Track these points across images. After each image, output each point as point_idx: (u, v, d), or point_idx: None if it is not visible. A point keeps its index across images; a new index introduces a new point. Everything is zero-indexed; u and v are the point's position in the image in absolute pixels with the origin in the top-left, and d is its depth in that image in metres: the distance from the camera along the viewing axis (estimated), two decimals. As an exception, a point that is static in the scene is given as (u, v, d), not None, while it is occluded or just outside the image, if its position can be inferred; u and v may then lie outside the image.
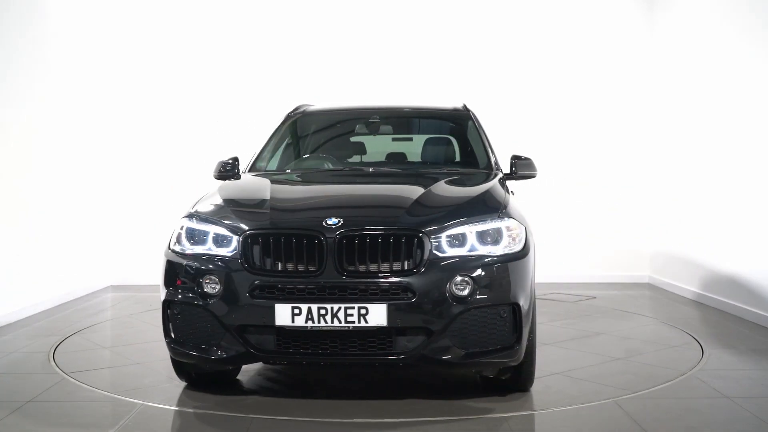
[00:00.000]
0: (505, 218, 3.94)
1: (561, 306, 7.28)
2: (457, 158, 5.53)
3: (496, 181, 4.64)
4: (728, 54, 6.96)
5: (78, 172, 7.89)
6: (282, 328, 3.69)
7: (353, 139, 5.84)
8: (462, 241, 3.80)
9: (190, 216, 4.13)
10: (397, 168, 5.30)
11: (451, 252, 3.75)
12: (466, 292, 3.69)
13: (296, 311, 3.65)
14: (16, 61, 6.68)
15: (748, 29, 6.63)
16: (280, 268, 3.74)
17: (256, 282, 3.72)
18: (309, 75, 8.70)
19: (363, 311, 3.63)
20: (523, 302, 3.83)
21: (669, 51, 8.36)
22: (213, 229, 3.95)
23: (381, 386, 4.48)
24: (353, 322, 3.63)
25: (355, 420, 3.86)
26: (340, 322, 3.63)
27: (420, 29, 8.80)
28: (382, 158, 5.70)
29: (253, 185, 4.67)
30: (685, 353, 5.32)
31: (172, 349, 4.05)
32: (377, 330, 3.66)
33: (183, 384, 4.49)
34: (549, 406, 4.09)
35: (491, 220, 3.90)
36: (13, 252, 6.56)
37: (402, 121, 5.90)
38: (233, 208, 4.12)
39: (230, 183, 4.83)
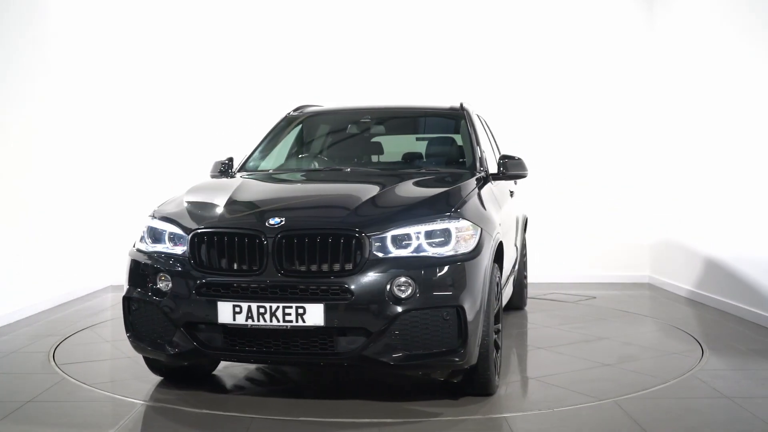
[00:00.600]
0: (457, 219, 3.87)
1: (561, 306, 7.28)
2: (442, 158, 5.44)
3: (471, 181, 4.57)
4: (728, 53, 6.96)
5: (78, 172, 7.90)
6: (225, 325, 3.75)
7: (347, 139, 5.83)
8: (407, 241, 3.77)
9: (152, 215, 4.26)
10: (376, 168, 5.24)
11: (395, 253, 3.73)
12: (407, 294, 3.66)
13: (237, 309, 3.71)
14: (16, 61, 6.68)
15: (747, 28, 6.62)
16: (224, 267, 3.82)
17: (202, 280, 3.81)
18: (310, 75, 8.71)
19: (300, 311, 3.66)
20: (470, 305, 3.75)
21: (669, 50, 8.36)
22: (169, 228, 4.07)
23: (381, 386, 4.48)
24: (291, 321, 3.67)
25: (354, 420, 3.86)
26: (278, 321, 3.68)
27: (422, 29, 8.80)
28: (376, 158, 5.65)
29: (222, 185, 4.68)
30: (685, 353, 5.32)
31: (132, 344, 4.17)
32: (317, 330, 3.67)
33: (183, 384, 4.49)
34: (549, 406, 4.09)
35: (440, 220, 3.85)
36: (13, 252, 6.56)
37: (394, 121, 5.85)
38: (190, 207, 4.19)
39: (202, 183, 4.89)
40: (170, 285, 3.89)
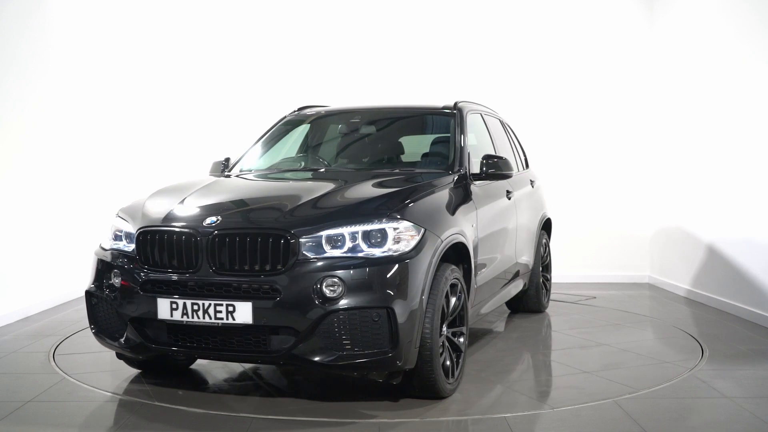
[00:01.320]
0: (396, 220, 3.86)
1: (560, 306, 7.28)
2: (424, 157, 5.39)
3: (438, 181, 4.56)
4: (727, 52, 6.96)
5: (78, 173, 7.89)
6: (164, 321, 3.89)
7: (336, 139, 5.84)
8: (340, 242, 3.78)
9: (117, 214, 4.44)
10: (354, 168, 5.24)
11: (328, 253, 3.75)
12: (335, 294, 3.67)
13: (174, 306, 3.84)
14: (16, 64, 6.68)
15: (747, 28, 6.63)
16: (164, 264, 3.95)
17: (146, 277, 3.96)
18: (310, 76, 8.70)
19: (231, 308, 3.74)
20: (403, 306, 3.71)
21: (668, 49, 8.36)
22: (125, 227, 4.24)
23: (380, 386, 4.48)
24: (222, 318, 3.75)
25: (354, 420, 3.86)
26: (210, 318, 3.77)
27: (423, 29, 8.80)
28: (362, 158, 5.61)
29: (189, 184, 4.75)
30: (685, 353, 5.32)
31: (95, 337, 4.37)
32: (249, 328, 3.74)
33: (184, 384, 4.50)
34: (549, 406, 4.09)
35: (377, 221, 3.83)
36: (13, 252, 6.56)
37: (385, 121, 5.81)
38: (146, 206, 4.33)
39: (175, 182, 4.98)
40: (120, 281, 4.05)
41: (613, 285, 8.56)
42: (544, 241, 6.85)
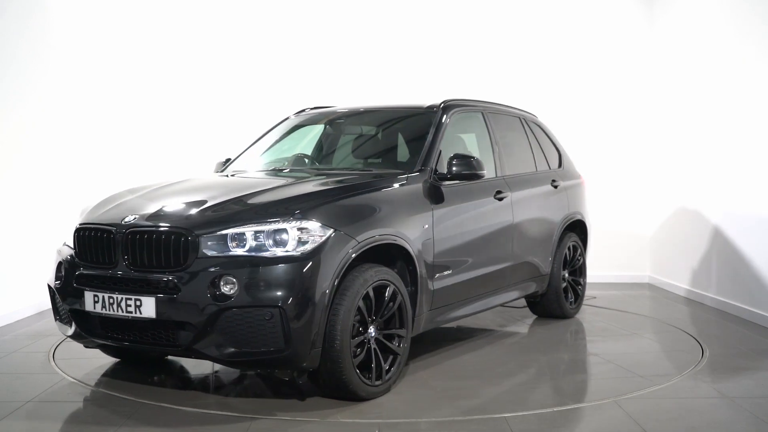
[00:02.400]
0: (301, 220, 3.92)
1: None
2: (391, 157, 5.41)
3: (383, 181, 4.61)
4: (727, 52, 6.96)
5: (78, 173, 7.89)
6: (94, 314, 4.12)
7: (320, 140, 5.92)
8: (243, 241, 3.88)
9: (81, 212, 4.67)
10: (317, 168, 5.39)
11: (231, 252, 3.85)
12: (230, 292, 3.76)
13: (96, 299, 4.08)
14: (16, 64, 6.68)
15: (747, 27, 6.62)
16: (92, 260, 4.22)
17: (78, 271, 4.22)
18: (311, 76, 8.69)
19: (138, 303, 3.93)
20: (298, 306, 3.76)
21: (668, 49, 8.36)
22: (77, 222, 4.48)
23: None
24: (132, 312, 3.95)
25: (354, 420, 3.86)
26: (122, 311, 3.98)
27: (423, 29, 8.79)
28: (338, 158, 5.70)
29: (155, 184, 4.96)
30: (685, 353, 5.32)
31: (57, 327, 4.59)
32: (156, 322, 3.92)
33: (184, 384, 4.51)
34: (549, 406, 4.09)
35: (281, 221, 3.91)
36: (13, 252, 6.56)
37: (370, 121, 5.83)
38: (95, 204, 4.63)
39: (146, 183, 5.16)
40: (63, 274, 4.36)
41: (613, 285, 8.55)
42: (570, 243, 6.53)
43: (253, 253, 3.83)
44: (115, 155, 8.59)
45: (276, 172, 5.41)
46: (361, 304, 4.04)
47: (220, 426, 3.79)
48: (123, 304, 3.97)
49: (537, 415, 3.95)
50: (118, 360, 4.97)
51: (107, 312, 4.02)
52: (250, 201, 4.22)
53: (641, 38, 8.82)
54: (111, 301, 4.01)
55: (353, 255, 4.03)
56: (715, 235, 7.21)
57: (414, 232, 4.51)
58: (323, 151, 5.78)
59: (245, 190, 4.42)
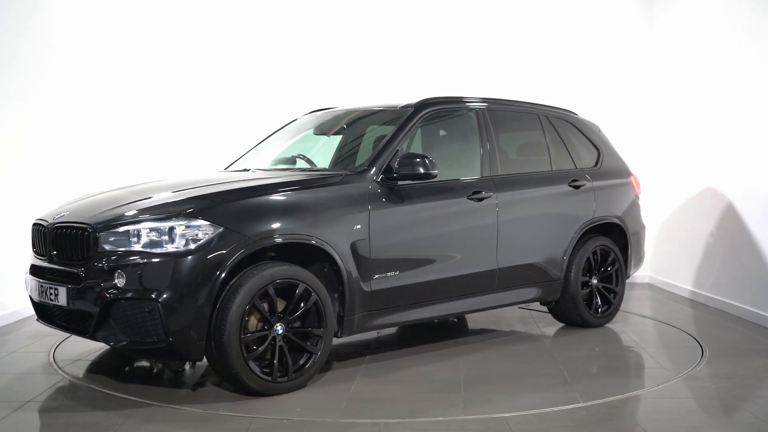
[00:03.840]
0: (190, 218, 4.09)
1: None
2: (350, 158, 5.43)
3: (312, 181, 4.68)
4: (727, 52, 6.96)
5: (78, 172, 7.88)
6: (31, 298, 4.65)
7: (303, 141, 5.99)
8: (137, 237, 4.10)
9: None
10: (283, 169, 5.53)
11: (124, 247, 4.11)
12: (119, 285, 4.03)
13: (34, 287, 4.57)
14: (15, 64, 6.68)
15: (747, 27, 6.63)
16: (37, 252, 4.71)
17: (31, 263, 4.71)
18: (319, 78, 8.68)
19: (56, 292, 4.33)
20: (174, 300, 3.97)
21: (668, 49, 8.36)
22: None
23: (379, 386, 4.48)
24: (53, 300, 4.36)
25: (354, 420, 3.86)
26: (47, 299, 4.40)
27: (423, 29, 8.79)
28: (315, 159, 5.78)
29: (137, 183, 5.29)
30: (685, 353, 5.32)
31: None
32: (71, 310, 4.28)
33: (184, 384, 4.51)
34: (549, 406, 4.09)
35: (173, 219, 4.10)
36: (13, 252, 6.56)
37: (350, 122, 5.86)
38: (68, 202, 4.98)
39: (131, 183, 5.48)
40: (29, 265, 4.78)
41: (613, 285, 8.54)
42: (597, 247, 6.04)
43: (146, 249, 4.05)
44: (115, 155, 8.58)
45: (243, 171, 5.47)
46: (258, 301, 4.14)
47: (220, 426, 3.79)
48: (47, 292, 4.39)
49: (537, 415, 3.95)
50: (118, 360, 4.98)
51: (42, 300, 4.47)
52: (155, 199, 4.43)
53: (641, 38, 8.82)
54: (42, 289, 4.45)
55: (246, 253, 4.12)
56: (715, 235, 7.20)
57: (339, 231, 4.50)
58: (304, 152, 5.77)
59: (169, 189, 4.66)
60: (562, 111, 6.47)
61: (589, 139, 6.45)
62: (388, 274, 4.76)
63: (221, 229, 4.08)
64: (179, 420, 3.88)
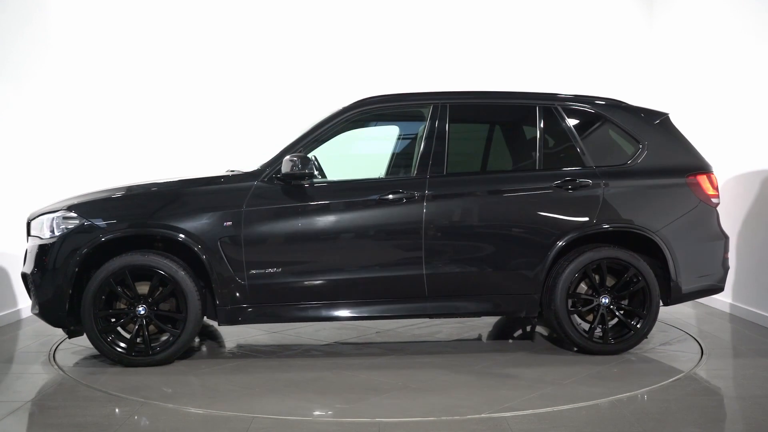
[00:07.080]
0: (65, 211, 4.91)
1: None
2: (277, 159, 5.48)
3: (199, 179, 5.08)
4: (728, 52, 6.96)
5: (78, 172, 7.89)
6: None
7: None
8: (48, 225, 4.94)
9: None
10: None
11: (41, 233, 4.98)
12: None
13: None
14: (15, 64, 6.68)
15: (747, 27, 6.62)
16: None
17: None
18: (316, 79, 8.69)
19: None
20: (38, 278, 4.87)
21: (668, 49, 8.36)
22: None
23: (379, 386, 4.48)
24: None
25: (354, 420, 3.86)
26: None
27: (423, 29, 8.80)
28: None
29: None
30: (685, 353, 5.32)
31: None
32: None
33: (184, 384, 4.51)
34: (549, 406, 4.09)
35: (58, 211, 4.94)
36: (13, 252, 6.56)
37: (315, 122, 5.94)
38: None
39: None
40: None
41: (613, 285, 8.54)
42: (597, 260, 5.12)
43: (47, 235, 4.90)
44: (115, 155, 8.58)
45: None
46: (112, 284, 4.82)
47: (220, 426, 3.79)
48: None
49: (537, 415, 3.95)
50: (118, 360, 4.97)
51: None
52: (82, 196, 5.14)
53: (641, 38, 8.83)
54: None
55: (98, 242, 4.82)
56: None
57: (206, 228, 4.87)
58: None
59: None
60: (588, 99, 5.58)
61: (626, 131, 5.42)
62: (268, 270, 4.94)
63: (83, 222, 4.87)
64: (179, 420, 3.88)
